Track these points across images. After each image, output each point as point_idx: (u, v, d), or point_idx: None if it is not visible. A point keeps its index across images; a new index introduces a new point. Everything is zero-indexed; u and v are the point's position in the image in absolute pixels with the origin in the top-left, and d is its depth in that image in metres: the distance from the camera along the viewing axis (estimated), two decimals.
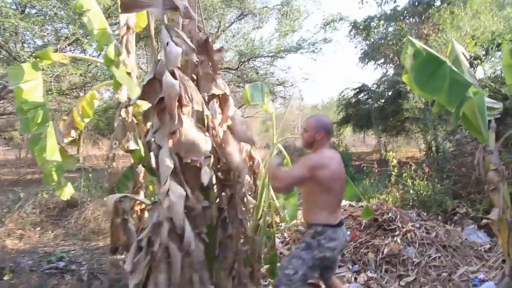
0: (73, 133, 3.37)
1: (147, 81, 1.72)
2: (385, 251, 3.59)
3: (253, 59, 11.54)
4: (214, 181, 2.13)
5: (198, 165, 1.69)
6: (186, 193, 1.65)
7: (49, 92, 7.50)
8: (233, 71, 12.07)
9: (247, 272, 2.24)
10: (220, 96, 2.01)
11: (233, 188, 2.13)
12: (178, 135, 1.64)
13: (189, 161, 1.66)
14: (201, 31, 2.02)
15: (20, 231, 5.06)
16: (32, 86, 2.76)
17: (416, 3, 9.25)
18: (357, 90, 13.58)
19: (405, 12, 10.06)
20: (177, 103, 1.63)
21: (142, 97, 1.73)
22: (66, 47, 8.17)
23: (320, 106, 29.55)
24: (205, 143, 1.69)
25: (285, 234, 4.75)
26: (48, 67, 6.55)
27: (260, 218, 3.05)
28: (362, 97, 13.72)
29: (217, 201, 2.18)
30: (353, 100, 13.92)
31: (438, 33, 6.62)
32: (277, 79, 12.33)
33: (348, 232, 4.01)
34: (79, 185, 6.78)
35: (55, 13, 7.17)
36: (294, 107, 28.27)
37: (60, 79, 7.09)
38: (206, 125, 2.11)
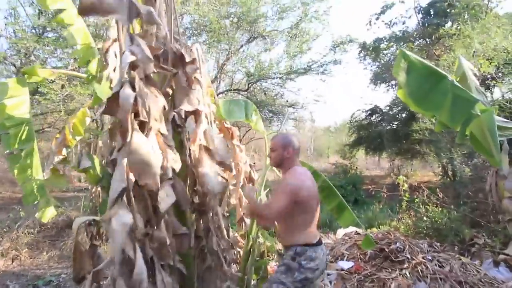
0: (64, 151, 3.28)
1: (112, 94, 1.58)
2: (392, 286, 3.24)
3: (262, 80, 11.55)
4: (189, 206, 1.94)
5: (154, 189, 1.50)
6: (135, 220, 1.45)
7: (59, 112, 7.63)
8: (243, 93, 12.08)
9: None
10: (193, 112, 1.86)
11: (210, 213, 1.93)
12: (132, 155, 1.47)
13: (143, 184, 1.48)
14: (177, 42, 1.91)
15: (14, 252, 4.94)
16: (17, 102, 2.70)
17: (426, 24, 9.11)
18: (369, 112, 13.31)
19: (415, 33, 9.92)
20: (131, 119, 1.48)
21: (106, 111, 1.59)
22: (79, 67, 8.43)
23: (332, 128, 29.19)
24: (159, 165, 1.51)
25: None
26: (56, 88, 6.67)
27: (250, 246, 2.82)
28: (374, 119, 13.43)
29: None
30: (365, 122, 13.63)
31: (450, 53, 6.40)
32: (287, 101, 12.24)
33: (352, 264, 3.68)
34: (80, 206, 6.68)
35: None
36: (306, 129, 28.03)
37: (69, 99, 7.22)
38: (182, 144, 1.95)
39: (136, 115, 1.50)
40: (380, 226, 5.80)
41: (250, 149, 24.37)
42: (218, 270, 1.91)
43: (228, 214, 2.33)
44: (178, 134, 1.95)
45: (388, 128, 12.22)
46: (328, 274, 3.63)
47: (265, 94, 11.44)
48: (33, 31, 7.90)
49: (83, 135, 3.43)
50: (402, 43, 9.68)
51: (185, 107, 1.80)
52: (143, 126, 1.56)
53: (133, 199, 1.48)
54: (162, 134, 1.76)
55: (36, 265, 4.76)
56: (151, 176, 1.46)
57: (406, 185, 5.67)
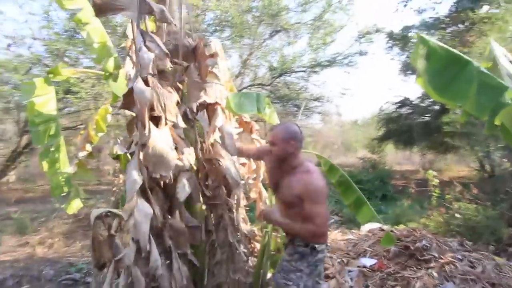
0: (88, 147, 3.43)
1: (128, 90, 1.62)
2: (417, 285, 3.09)
3: (286, 74, 11.40)
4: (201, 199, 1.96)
5: (167, 181, 1.52)
6: (154, 212, 1.48)
7: (90, 110, 7.99)
8: (266, 87, 12.01)
9: None
10: (209, 106, 1.86)
11: (222, 207, 1.93)
12: (147, 148, 1.50)
13: (158, 176, 1.50)
14: (189, 36, 1.90)
15: (50, 240, 5.27)
16: (44, 100, 2.85)
17: (459, 9, 8.51)
18: (399, 104, 12.75)
19: (447, 19, 9.30)
20: (147, 113, 1.51)
21: (123, 106, 1.63)
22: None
23: (360, 122, 28.29)
24: (175, 158, 1.52)
25: None
26: (86, 87, 6.98)
27: (266, 240, 2.80)
28: (404, 111, 12.85)
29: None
30: (394, 115, 13.08)
31: (485, 39, 5.94)
32: (311, 94, 12.02)
33: (375, 261, 3.56)
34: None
35: None
36: (333, 123, 27.41)
37: (99, 97, 7.53)
38: (195, 138, 1.96)
39: (152, 109, 1.53)
40: (408, 223, 5.57)
41: None
42: (230, 263, 1.91)
43: (244, 208, 2.32)
44: (190, 128, 1.96)
45: (419, 120, 11.65)
46: (350, 271, 3.54)
47: (288, 88, 11.27)
48: (65, 33, 8.29)
49: (105, 132, 3.56)
50: (433, 31, 9.14)
51: (203, 99, 1.80)
52: (157, 121, 1.58)
53: (149, 191, 1.51)
54: (175, 128, 1.78)
55: (70, 253, 5.05)
56: (166, 169, 1.49)
57: (436, 180, 5.38)
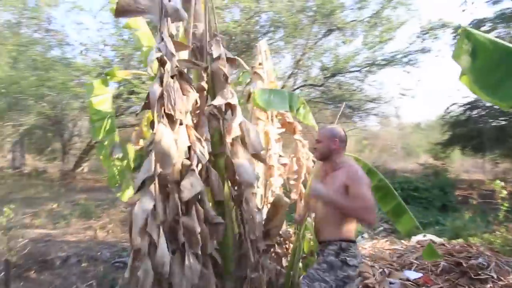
0: (141, 142, 3.74)
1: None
2: None
3: (340, 74, 11.04)
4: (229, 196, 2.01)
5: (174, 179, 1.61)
6: (156, 208, 1.57)
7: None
8: (319, 88, 11.77)
9: None
10: (229, 105, 1.91)
11: (242, 205, 1.97)
12: (155, 145, 1.60)
13: (164, 173, 1.59)
14: (214, 38, 1.96)
15: (110, 226, 5.85)
16: (101, 99, 3.19)
17: None
18: (468, 106, 11.50)
19: None
20: (158, 112, 1.61)
21: (144, 107, 1.76)
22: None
23: (424, 125, 26.11)
24: (179, 156, 1.60)
25: None
26: (146, 87, 7.59)
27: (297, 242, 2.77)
28: (475, 114, 11.54)
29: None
30: (462, 117, 11.83)
31: None
32: (365, 95, 11.46)
33: (420, 275, 3.29)
34: None
35: None
36: (392, 126, 25.73)
37: None
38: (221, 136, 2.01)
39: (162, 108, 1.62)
40: (469, 238, 5.02)
41: None
42: (249, 259, 1.93)
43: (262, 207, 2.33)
44: (217, 127, 2.02)
45: (492, 124, 10.39)
46: (391, 283, 3.32)
47: (339, 88, 10.90)
48: (132, 39, 9.13)
49: None
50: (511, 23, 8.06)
51: (218, 101, 1.86)
52: (171, 119, 1.67)
53: (157, 187, 1.60)
54: (198, 127, 1.86)
55: (125, 238, 5.53)
56: (170, 166, 1.57)
57: (504, 192, 4.76)
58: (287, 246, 3.37)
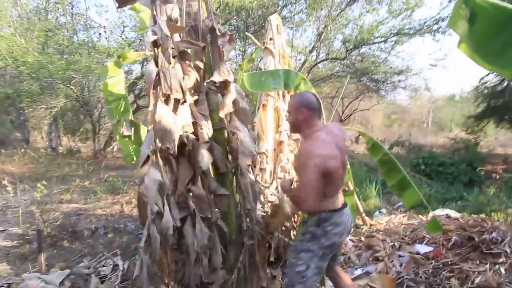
0: None
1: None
2: (477, 280, 2.76)
3: (364, 46, 10.56)
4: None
5: (171, 152, 1.70)
6: (163, 178, 1.68)
7: None
8: (341, 61, 11.37)
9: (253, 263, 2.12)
10: (221, 83, 1.94)
11: (245, 177, 2.05)
12: (155, 123, 1.69)
13: (164, 148, 1.68)
14: (209, 17, 1.98)
15: (135, 201, 6.21)
16: (115, 81, 3.33)
17: None
18: None
19: None
20: (154, 90, 1.69)
21: (146, 88, 1.84)
22: None
23: (459, 97, 24.65)
24: (179, 131, 1.68)
25: (362, 238, 4.25)
26: None
27: None
28: None
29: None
30: (499, 88, 11.02)
31: None
32: (391, 67, 10.93)
33: (431, 248, 3.27)
34: None
35: None
36: (424, 100, 24.54)
37: None
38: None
39: (158, 87, 1.70)
40: (492, 214, 4.85)
41: (354, 121, 23.06)
42: (247, 229, 2.03)
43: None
44: (216, 103, 2.07)
45: None
46: (400, 256, 3.34)
47: (361, 61, 10.46)
48: None
49: None
50: None
51: (216, 78, 1.90)
52: (169, 98, 1.74)
53: (160, 160, 1.71)
54: (198, 104, 1.93)
55: None
56: (170, 141, 1.66)
57: None
58: (295, 219, 3.46)
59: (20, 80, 7.39)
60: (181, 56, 1.83)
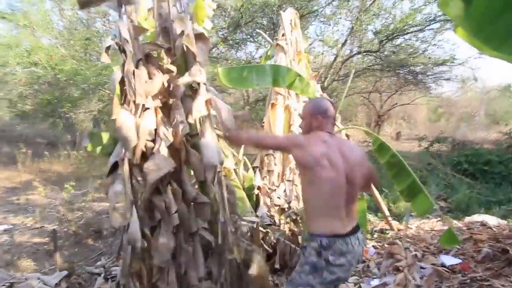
0: None
1: None
2: None
3: (399, 35, 9.86)
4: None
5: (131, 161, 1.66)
6: (125, 189, 1.64)
7: None
8: (375, 54, 10.73)
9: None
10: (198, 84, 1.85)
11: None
12: (117, 130, 1.65)
13: (125, 157, 1.64)
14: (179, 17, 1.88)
15: None
16: None
17: None
18: None
19: None
20: (121, 98, 1.65)
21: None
22: None
23: None
24: (140, 137, 1.62)
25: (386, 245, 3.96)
26: None
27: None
28: None
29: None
30: None
31: None
32: (430, 58, 10.09)
33: (458, 261, 2.92)
34: None
35: None
36: (476, 91, 22.39)
37: None
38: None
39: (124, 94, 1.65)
40: None
41: (395, 116, 21.71)
42: (226, 240, 1.92)
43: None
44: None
45: None
46: (422, 268, 3.02)
47: (393, 53, 9.76)
48: None
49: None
50: None
51: (184, 79, 1.80)
52: (133, 104, 1.69)
53: (127, 170, 1.67)
54: (168, 109, 1.87)
55: None
56: (130, 150, 1.61)
57: None
58: (302, 224, 3.28)
59: (60, 87, 7.97)
60: (147, 59, 1.78)
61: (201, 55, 1.82)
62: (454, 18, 1.37)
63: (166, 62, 1.87)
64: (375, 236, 4.37)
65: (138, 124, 1.64)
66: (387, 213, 4.43)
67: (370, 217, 5.04)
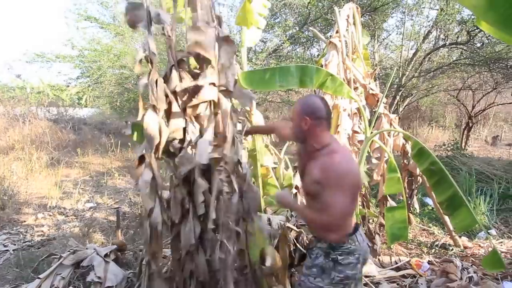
0: None
1: None
2: None
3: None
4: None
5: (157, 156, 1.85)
6: (156, 179, 1.85)
7: None
8: (465, 47, 9.39)
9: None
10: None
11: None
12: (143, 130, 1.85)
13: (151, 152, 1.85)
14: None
15: None
16: None
17: None
18: None
19: None
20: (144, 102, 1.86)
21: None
22: None
23: None
24: (159, 138, 1.81)
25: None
26: None
27: None
28: None
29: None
30: None
31: None
32: None
33: None
34: None
35: None
36: None
37: None
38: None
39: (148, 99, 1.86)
40: None
41: (492, 117, 18.62)
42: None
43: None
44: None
45: None
46: None
47: (483, 44, 8.37)
48: None
49: None
50: None
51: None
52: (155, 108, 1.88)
53: (154, 162, 1.87)
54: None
55: None
56: (151, 147, 1.81)
57: None
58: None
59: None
60: (179, 64, 1.95)
61: (225, 57, 1.93)
62: (473, 10, 1.21)
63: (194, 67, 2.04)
64: (434, 250, 3.93)
65: (160, 124, 1.83)
66: (450, 227, 3.94)
67: (435, 229, 4.56)
